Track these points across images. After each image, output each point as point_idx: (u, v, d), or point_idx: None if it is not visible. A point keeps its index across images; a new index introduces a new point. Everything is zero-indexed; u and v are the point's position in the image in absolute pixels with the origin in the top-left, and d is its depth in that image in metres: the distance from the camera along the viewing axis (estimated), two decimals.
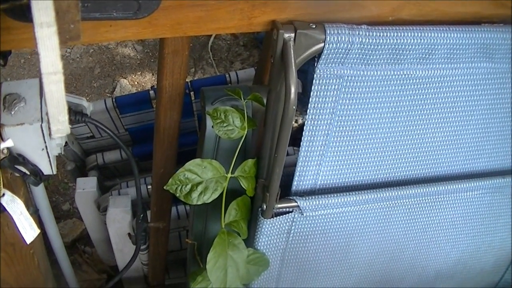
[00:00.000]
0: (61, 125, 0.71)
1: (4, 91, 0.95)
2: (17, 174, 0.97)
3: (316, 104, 0.98)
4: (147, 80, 2.98)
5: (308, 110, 0.99)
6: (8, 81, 0.97)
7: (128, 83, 2.94)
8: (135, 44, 3.11)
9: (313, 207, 1.10)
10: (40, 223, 1.19)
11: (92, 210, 1.64)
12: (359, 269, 1.35)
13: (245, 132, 1.03)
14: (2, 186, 0.93)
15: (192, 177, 1.03)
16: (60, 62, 0.61)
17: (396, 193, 1.16)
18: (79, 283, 1.84)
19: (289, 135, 0.93)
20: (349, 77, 0.97)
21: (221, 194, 1.05)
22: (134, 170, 1.25)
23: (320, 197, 1.10)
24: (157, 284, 1.74)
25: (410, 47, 0.94)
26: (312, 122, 1.01)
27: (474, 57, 1.02)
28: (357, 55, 0.93)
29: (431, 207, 1.24)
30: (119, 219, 1.53)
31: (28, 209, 1.02)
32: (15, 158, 0.94)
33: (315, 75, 0.94)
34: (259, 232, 1.12)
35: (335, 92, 0.98)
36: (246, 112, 1.03)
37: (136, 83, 2.96)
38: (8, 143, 0.90)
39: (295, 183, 1.10)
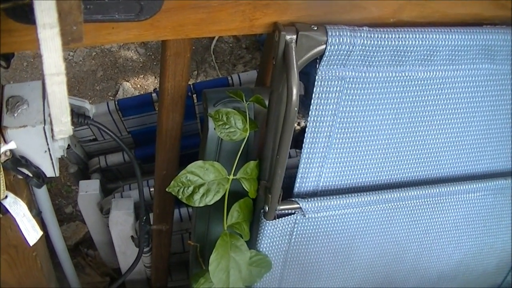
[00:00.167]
0: (63, 126, 0.71)
1: (7, 93, 0.95)
2: (20, 176, 0.97)
3: (318, 106, 0.99)
4: (149, 83, 2.98)
5: (310, 112, 0.99)
6: (11, 84, 0.97)
7: (130, 86, 2.94)
8: (137, 47, 3.12)
9: (315, 208, 1.10)
10: (43, 225, 1.19)
11: (95, 213, 1.64)
12: (362, 271, 1.34)
13: (247, 134, 1.03)
14: (5, 188, 0.93)
15: (194, 179, 1.03)
16: (63, 63, 0.61)
17: (398, 195, 1.16)
18: (82, 285, 1.84)
19: (291, 136, 0.93)
20: (351, 79, 0.97)
21: (223, 196, 1.05)
22: (137, 172, 1.26)
23: (322, 198, 1.10)
24: (160, 286, 1.74)
25: (411, 48, 0.94)
26: (314, 123, 1.01)
27: (475, 59, 1.02)
28: (359, 57, 0.93)
29: (433, 209, 1.24)
30: (121, 221, 1.53)
31: (31, 211, 1.02)
32: (17, 160, 0.94)
33: (316, 77, 0.94)
34: (261, 234, 1.12)
35: (337, 94, 0.98)
36: (248, 114, 1.03)
37: (138, 86, 2.96)
38: (11, 145, 0.90)
39: (297, 184, 1.10)
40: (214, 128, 1.02)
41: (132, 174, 1.82)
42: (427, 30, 0.94)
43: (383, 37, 0.91)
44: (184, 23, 0.84)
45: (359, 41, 0.89)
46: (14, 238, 1.09)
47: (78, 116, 1.09)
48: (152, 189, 1.65)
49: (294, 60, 0.86)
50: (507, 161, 1.24)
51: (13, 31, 0.74)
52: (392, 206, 1.18)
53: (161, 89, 1.05)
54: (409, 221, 1.25)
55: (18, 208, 0.97)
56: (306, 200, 1.09)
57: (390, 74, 0.99)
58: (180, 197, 1.03)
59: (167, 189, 1.03)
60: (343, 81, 0.96)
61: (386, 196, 1.15)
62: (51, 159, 0.97)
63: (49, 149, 0.95)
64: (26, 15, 0.64)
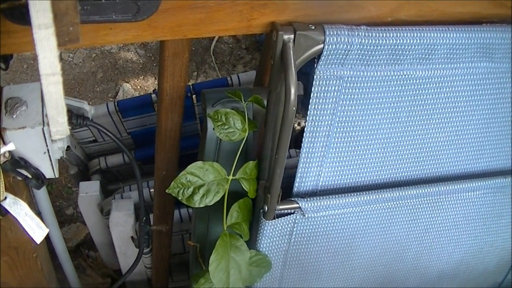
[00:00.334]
0: (60, 126, 0.71)
1: (6, 95, 0.95)
2: (19, 178, 0.97)
3: (316, 105, 0.99)
4: (149, 84, 2.98)
5: (308, 111, 0.99)
6: (10, 85, 0.97)
7: (130, 87, 2.94)
8: (137, 48, 3.12)
9: (315, 208, 1.10)
10: None
11: (95, 214, 1.65)
12: (362, 270, 1.34)
13: (246, 134, 1.03)
14: (4, 189, 0.93)
15: (194, 180, 1.03)
16: (59, 64, 0.61)
17: (397, 194, 1.16)
18: (83, 287, 1.84)
19: (290, 136, 0.93)
20: (349, 78, 0.97)
21: (223, 196, 1.05)
22: (136, 173, 1.26)
23: (321, 198, 1.10)
24: (161, 287, 1.74)
25: (409, 47, 0.94)
26: (313, 123, 1.01)
27: (474, 57, 1.02)
28: (357, 56, 0.93)
29: (433, 208, 1.24)
30: (122, 222, 1.53)
31: None
32: (17, 162, 0.94)
33: (315, 76, 0.94)
34: (261, 234, 1.13)
35: (335, 93, 0.98)
36: (247, 114, 1.03)
37: (138, 87, 2.97)
38: (10, 146, 0.90)
39: (296, 184, 1.10)
40: (213, 129, 1.02)
41: (132, 175, 1.82)
42: (425, 28, 0.94)
43: (381, 36, 0.91)
44: (182, 23, 0.84)
45: (357, 40, 0.89)
46: (15, 239, 1.10)
47: (77, 117, 1.09)
48: (152, 190, 1.65)
49: (292, 60, 0.87)
50: (507, 159, 1.24)
51: (12, 32, 0.74)
52: (392, 205, 1.18)
53: (160, 90, 1.05)
54: (408, 220, 1.25)
55: (18, 208, 0.97)
56: (305, 200, 1.09)
57: (388, 73, 0.99)
58: (180, 198, 1.03)
59: (167, 191, 1.03)
60: (341, 81, 0.97)
61: (386, 195, 1.15)
62: (51, 160, 0.97)
63: (48, 150, 0.95)
64: (24, 16, 0.64)
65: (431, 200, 1.22)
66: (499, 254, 1.48)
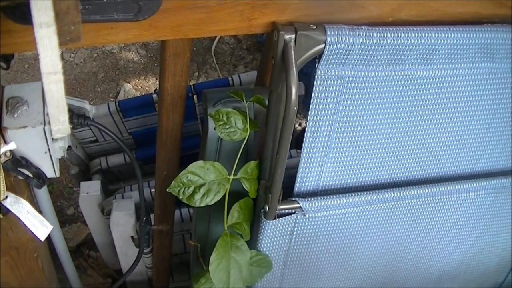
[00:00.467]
0: (61, 125, 0.71)
1: (7, 94, 0.95)
2: (20, 177, 0.97)
3: (317, 105, 0.99)
4: (150, 85, 2.98)
5: (309, 111, 0.99)
6: (11, 85, 0.97)
7: (132, 87, 2.94)
8: (138, 49, 3.12)
9: (316, 208, 1.10)
10: None
11: (96, 214, 1.65)
12: (362, 270, 1.35)
13: (247, 134, 1.03)
14: (5, 189, 0.93)
15: (194, 179, 1.03)
16: (60, 62, 0.61)
17: (398, 194, 1.16)
18: (84, 287, 1.84)
19: (291, 136, 0.93)
20: (350, 78, 0.97)
21: (224, 196, 1.06)
22: (137, 173, 1.26)
23: (322, 198, 1.10)
24: (161, 287, 1.74)
25: (410, 47, 0.94)
26: (314, 123, 1.01)
27: (475, 57, 1.02)
28: (358, 56, 0.93)
29: (434, 208, 1.24)
30: (122, 222, 1.53)
31: None
32: (18, 161, 0.94)
33: (316, 76, 0.94)
34: (261, 234, 1.13)
35: (336, 93, 0.98)
36: (248, 114, 1.03)
37: (140, 87, 2.97)
38: (11, 145, 0.90)
39: (297, 184, 1.10)
40: (214, 128, 1.02)
41: (133, 175, 1.82)
42: (426, 29, 0.94)
43: (382, 36, 0.91)
44: (183, 23, 0.85)
45: (358, 40, 0.89)
46: (16, 239, 1.10)
47: (78, 117, 1.09)
48: (153, 190, 1.65)
49: (293, 60, 0.87)
50: (507, 159, 1.24)
51: (13, 32, 0.75)
52: (393, 205, 1.18)
53: (161, 90, 1.06)
54: (409, 220, 1.25)
55: (20, 207, 0.97)
56: (306, 200, 1.09)
57: (389, 73, 0.99)
58: (180, 197, 1.03)
59: (167, 190, 1.03)
60: (342, 80, 0.97)
61: (386, 195, 1.15)
62: (52, 159, 0.98)
63: (49, 149, 0.95)
64: (25, 15, 0.64)
65: (431, 201, 1.22)
66: (500, 255, 1.48)
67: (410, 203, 1.20)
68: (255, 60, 3.11)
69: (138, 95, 2.92)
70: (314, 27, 0.88)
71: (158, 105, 1.13)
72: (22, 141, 0.92)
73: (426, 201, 1.21)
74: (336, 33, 0.88)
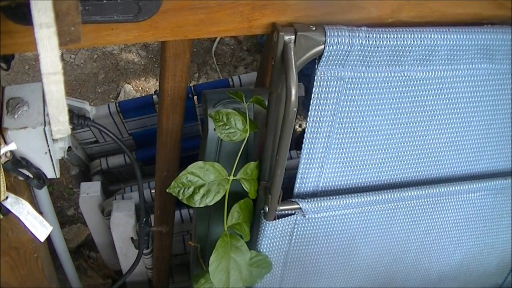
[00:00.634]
0: (61, 125, 0.71)
1: (7, 95, 0.95)
2: (21, 178, 0.97)
3: (317, 106, 0.99)
4: (151, 86, 2.99)
5: (309, 112, 0.99)
6: (12, 85, 0.98)
7: (132, 88, 2.95)
8: (139, 50, 3.13)
9: (315, 209, 1.10)
10: None
11: (96, 215, 1.65)
12: (362, 271, 1.35)
13: (247, 135, 1.03)
14: (5, 189, 0.94)
15: (194, 179, 1.03)
16: (60, 63, 0.62)
17: (398, 195, 1.16)
18: None
19: (291, 136, 0.93)
20: (350, 79, 0.97)
21: (224, 196, 1.06)
22: (137, 173, 1.26)
23: (322, 199, 1.11)
24: (161, 287, 1.75)
25: (410, 48, 0.94)
26: (314, 124, 1.01)
27: (474, 58, 1.02)
28: (358, 57, 0.93)
29: (434, 209, 1.24)
30: (122, 223, 1.53)
31: None
32: (18, 162, 0.94)
33: (315, 77, 0.94)
34: (261, 235, 1.13)
35: (336, 94, 0.98)
36: (248, 115, 1.04)
37: (140, 88, 2.97)
38: (11, 146, 0.90)
39: (297, 185, 1.10)
40: (214, 129, 1.02)
41: (133, 176, 1.82)
42: (425, 30, 0.94)
43: (381, 37, 0.91)
44: (183, 24, 0.85)
45: (357, 41, 0.90)
46: (16, 240, 1.10)
47: (78, 118, 1.09)
48: (153, 191, 1.65)
49: (293, 61, 0.87)
50: (507, 160, 1.24)
51: (13, 32, 0.75)
52: (392, 206, 1.19)
53: (161, 90, 1.06)
54: (409, 221, 1.25)
55: (20, 208, 0.97)
56: (306, 201, 1.09)
57: (389, 74, 0.99)
58: (180, 197, 1.03)
59: (167, 190, 1.03)
60: (342, 81, 0.97)
61: (386, 196, 1.15)
62: (52, 160, 0.98)
63: (49, 150, 0.95)
64: (26, 16, 0.64)
65: (431, 201, 1.22)
66: (500, 256, 1.48)
67: (410, 204, 1.20)
68: (255, 61, 3.11)
69: (139, 96, 2.92)
70: (314, 28, 0.88)
71: (158, 105, 1.13)
72: (23, 141, 0.92)
73: (426, 202, 1.22)
74: (336, 34, 0.88)
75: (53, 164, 0.99)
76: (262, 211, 1.09)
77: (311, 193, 1.13)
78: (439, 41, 0.95)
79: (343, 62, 0.93)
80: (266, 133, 1.03)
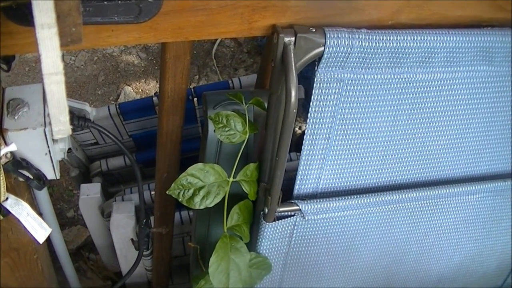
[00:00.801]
0: (62, 125, 0.71)
1: (8, 96, 0.96)
2: (21, 179, 0.97)
3: (317, 108, 0.99)
4: (151, 88, 2.99)
5: (309, 114, 0.99)
6: (12, 87, 0.98)
7: (132, 90, 2.95)
8: (139, 52, 3.13)
9: (315, 210, 1.10)
10: None
11: (96, 216, 1.65)
12: (362, 273, 1.35)
13: (247, 137, 1.03)
14: (5, 190, 0.94)
15: (194, 181, 1.03)
16: (61, 63, 0.62)
17: (397, 197, 1.16)
18: None
19: (290, 138, 0.93)
20: (350, 81, 0.97)
21: (223, 198, 1.06)
22: (137, 175, 1.26)
23: (322, 200, 1.11)
24: None
25: (410, 50, 0.95)
26: (313, 125, 1.01)
27: (474, 60, 1.03)
28: (357, 59, 0.93)
29: (433, 211, 1.24)
30: (122, 224, 1.53)
31: None
32: (18, 163, 0.94)
33: (315, 79, 0.95)
34: (261, 236, 1.13)
35: (335, 96, 0.98)
36: (248, 117, 1.04)
37: (140, 90, 2.97)
38: (12, 147, 0.91)
39: (296, 186, 1.10)
40: (214, 131, 1.02)
41: (133, 177, 1.82)
42: (425, 32, 0.94)
43: (381, 39, 0.91)
44: (183, 26, 0.85)
45: (357, 43, 0.90)
46: (16, 241, 1.10)
47: (78, 119, 1.09)
48: (153, 193, 1.65)
49: (293, 62, 0.87)
50: (507, 162, 1.24)
51: (14, 33, 0.75)
52: (392, 208, 1.19)
53: (161, 92, 1.06)
54: (408, 223, 1.25)
55: (20, 209, 0.97)
56: (305, 202, 1.09)
57: (389, 76, 0.99)
58: (180, 199, 1.03)
59: (167, 192, 1.03)
60: (341, 83, 0.97)
61: (386, 198, 1.15)
62: (52, 161, 0.98)
63: (49, 151, 0.95)
64: (27, 17, 0.64)
65: (431, 203, 1.22)
66: (499, 258, 1.48)
67: (409, 206, 1.20)
68: (255, 63, 3.11)
69: (139, 98, 2.92)
70: (314, 30, 0.88)
71: (158, 107, 1.13)
72: (23, 142, 0.92)
73: (425, 204, 1.22)
74: (336, 36, 0.88)
75: (53, 165, 0.99)
76: (261, 213, 1.09)
77: (311, 195, 1.13)
78: (438, 43, 0.96)
79: (343, 64, 0.94)
80: (266, 135, 1.03)
